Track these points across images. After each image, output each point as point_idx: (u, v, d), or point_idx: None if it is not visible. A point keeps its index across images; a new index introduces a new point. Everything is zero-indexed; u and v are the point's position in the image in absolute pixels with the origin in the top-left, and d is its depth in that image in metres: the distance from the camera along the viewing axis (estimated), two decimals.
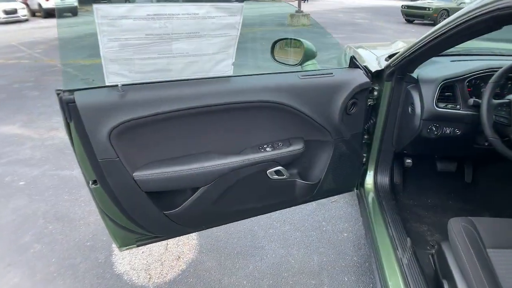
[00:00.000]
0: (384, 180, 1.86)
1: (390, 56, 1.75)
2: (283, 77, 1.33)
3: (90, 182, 1.17)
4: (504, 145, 1.34)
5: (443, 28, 1.13)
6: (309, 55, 1.53)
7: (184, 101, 1.13)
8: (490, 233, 1.28)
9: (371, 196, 1.83)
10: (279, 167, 1.40)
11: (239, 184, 1.37)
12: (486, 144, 1.61)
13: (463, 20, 1.02)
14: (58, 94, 1.00)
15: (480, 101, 1.44)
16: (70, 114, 1.02)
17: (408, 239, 1.53)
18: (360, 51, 2.19)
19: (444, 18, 13.30)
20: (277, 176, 1.42)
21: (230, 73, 1.19)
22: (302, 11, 12.30)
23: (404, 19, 13.58)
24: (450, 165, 2.03)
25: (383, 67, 1.56)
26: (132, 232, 1.38)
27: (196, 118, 1.20)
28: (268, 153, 1.35)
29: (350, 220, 2.28)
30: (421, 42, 1.27)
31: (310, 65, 1.57)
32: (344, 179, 1.73)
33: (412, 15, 13.22)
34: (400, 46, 2.29)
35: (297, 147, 1.41)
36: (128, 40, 0.95)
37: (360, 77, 1.44)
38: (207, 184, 1.29)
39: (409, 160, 1.92)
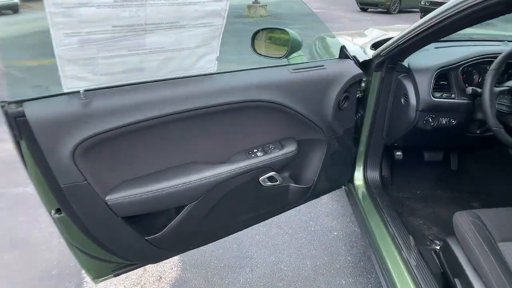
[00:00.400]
0: (375, 175, 1.78)
1: (375, 45, 1.65)
2: (272, 72, 1.17)
3: (53, 212, 0.96)
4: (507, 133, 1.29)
5: (446, 13, 1.02)
6: (295, 46, 1.38)
7: (161, 106, 0.94)
8: (497, 225, 1.22)
9: (362, 192, 1.74)
10: (272, 173, 1.25)
11: (230, 196, 1.20)
12: (478, 132, 1.56)
13: (471, 4, 0.92)
14: (2, 107, 0.78)
15: (478, 89, 1.37)
16: (19, 131, 0.80)
17: (411, 237, 1.44)
18: (336, 41, 2.07)
19: (397, 6, 13.61)
20: (270, 183, 1.27)
21: (214, 69, 1.02)
22: (259, 2, 12.13)
23: (358, 8, 13.83)
24: (437, 155, 1.99)
25: (371, 57, 1.45)
26: (108, 262, 1.18)
27: (176, 125, 1.02)
28: (260, 158, 1.20)
29: (337, 217, 2.19)
30: (418, 29, 1.16)
31: (296, 57, 1.42)
32: (337, 177, 1.62)
33: (366, 4, 13.51)
34: (376, 33, 2.21)
35: (290, 149, 1.27)
36: (90, 35, 0.75)
37: (353, 69, 1.32)
38: (194, 201, 1.11)
39: (399, 153, 1.84)
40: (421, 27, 1.14)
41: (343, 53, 1.35)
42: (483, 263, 1.10)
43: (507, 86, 1.30)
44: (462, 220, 1.24)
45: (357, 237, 2.02)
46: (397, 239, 1.43)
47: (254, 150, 1.22)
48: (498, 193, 1.80)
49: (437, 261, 1.42)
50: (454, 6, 0.98)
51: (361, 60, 1.42)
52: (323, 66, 1.26)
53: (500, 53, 1.32)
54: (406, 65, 1.45)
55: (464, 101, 1.44)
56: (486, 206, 1.83)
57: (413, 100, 1.43)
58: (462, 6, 0.95)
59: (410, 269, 1.30)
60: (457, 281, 1.21)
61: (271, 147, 1.25)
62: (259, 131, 1.23)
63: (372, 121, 1.61)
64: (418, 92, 1.41)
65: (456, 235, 1.25)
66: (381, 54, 1.39)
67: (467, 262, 1.18)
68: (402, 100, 1.48)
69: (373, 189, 1.72)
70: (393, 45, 1.31)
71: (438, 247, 1.48)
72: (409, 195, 1.92)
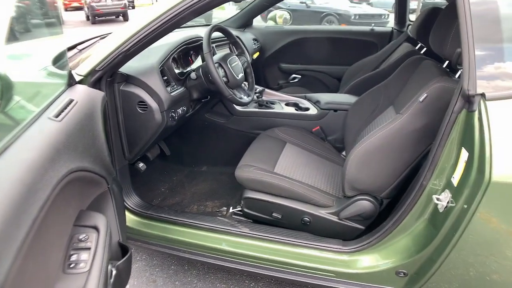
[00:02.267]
0: (135, 199, 1.60)
1: (57, 60, 1.38)
2: (33, 132, 0.76)
3: None
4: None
5: (181, 5, 1.06)
6: (8, 89, 0.90)
7: None
8: (258, 161, 1.53)
9: (139, 223, 1.55)
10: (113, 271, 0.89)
11: None
12: (191, 110, 1.76)
13: None
14: None
15: (195, 74, 1.52)
16: None
17: (221, 219, 1.52)
18: None
19: None
20: None
21: None
22: None
23: None
24: (155, 150, 2.03)
25: (83, 75, 1.22)
26: None
27: None
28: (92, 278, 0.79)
29: None
30: (149, 27, 1.11)
31: (15, 106, 0.94)
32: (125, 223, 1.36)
33: None
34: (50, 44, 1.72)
35: (102, 224, 0.92)
36: None
37: (95, 94, 1.10)
38: None
39: (142, 164, 1.74)
40: (152, 24, 1.10)
41: (73, 79, 1.06)
42: (282, 185, 1.39)
43: (217, 62, 1.54)
44: (245, 173, 1.45)
45: (148, 261, 1.84)
46: (211, 229, 1.45)
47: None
48: (212, 149, 2.16)
49: (244, 218, 1.60)
50: None
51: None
52: (73, 100, 0.96)
53: (197, 37, 1.51)
54: (124, 72, 1.34)
55: (182, 88, 1.57)
56: (212, 164, 2.17)
57: (153, 104, 1.38)
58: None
59: (244, 234, 1.40)
60: (275, 214, 1.45)
61: (83, 237, 0.86)
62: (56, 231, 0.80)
63: (108, 146, 1.41)
64: (157, 94, 1.37)
65: (248, 187, 1.46)
66: (96, 69, 1.20)
67: (272, 196, 1.43)
68: (139, 109, 1.39)
69: (148, 211, 1.56)
70: (114, 53, 1.17)
71: (235, 210, 1.66)
72: (163, 196, 1.92)
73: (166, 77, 1.50)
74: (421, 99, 1.14)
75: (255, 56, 2.63)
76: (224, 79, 1.56)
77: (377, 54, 2.38)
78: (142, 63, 1.43)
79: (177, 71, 1.59)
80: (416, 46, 2.07)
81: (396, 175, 1.26)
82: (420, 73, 1.35)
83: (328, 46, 2.83)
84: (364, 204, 1.33)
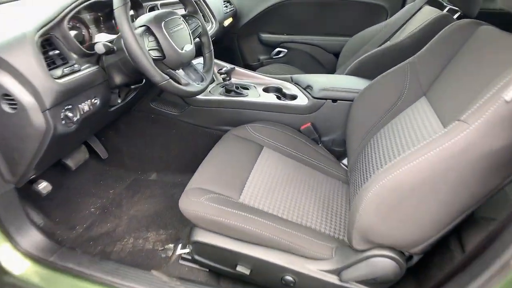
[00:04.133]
0: (34, 236, 1.07)
1: None
2: None
3: None
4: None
5: None
6: None
7: None
8: (218, 184, 1.02)
9: (38, 276, 1.02)
10: None
11: None
12: (120, 101, 1.19)
13: None
14: None
15: (105, 45, 0.93)
16: None
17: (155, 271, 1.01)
18: None
19: None
20: None
21: None
22: None
23: None
24: (80, 154, 1.45)
25: None
26: None
27: None
28: None
29: None
30: None
31: None
32: None
33: None
34: None
35: None
36: None
37: None
38: None
39: (44, 184, 1.17)
40: None
41: None
42: (250, 229, 0.90)
43: (143, 25, 0.96)
44: (193, 205, 0.94)
45: None
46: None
47: None
48: (163, 151, 1.60)
49: (194, 265, 1.11)
50: None
51: None
52: None
53: None
54: None
55: (93, 68, 0.99)
56: (164, 170, 1.63)
57: (25, 98, 0.80)
58: None
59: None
60: (241, 268, 0.96)
61: None
62: None
63: None
64: (29, 82, 0.79)
65: (199, 226, 0.95)
66: None
67: (235, 242, 0.94)
68: (4, 107, 0.82)
69: (50, 258, 1.03)
70: None
71: (184, 252, 1.14)
72: (91, 220, 1.36)
73: (58, 52, 0.91)
74: (508, 98, 0.59)
75: (226, 23, 2.04)
76: (155, 53, 0.97)
77: (388, 21, 1.84)
78: (7, 30, 0.83)
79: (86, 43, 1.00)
80: (443, 10, 1.51)
81: (445, 222, 0.73)
82: (483, 48, 0.80)
83: (323, 11, 2.27)
84: (384, 264, 0.81)
